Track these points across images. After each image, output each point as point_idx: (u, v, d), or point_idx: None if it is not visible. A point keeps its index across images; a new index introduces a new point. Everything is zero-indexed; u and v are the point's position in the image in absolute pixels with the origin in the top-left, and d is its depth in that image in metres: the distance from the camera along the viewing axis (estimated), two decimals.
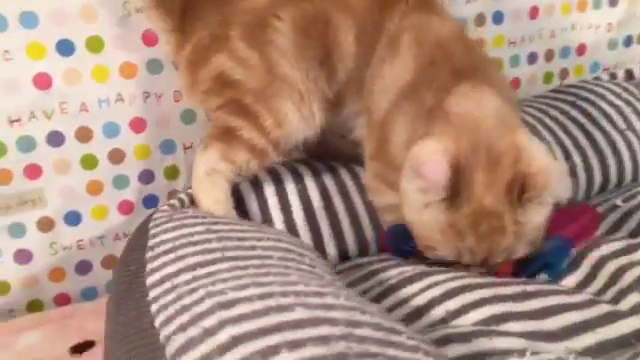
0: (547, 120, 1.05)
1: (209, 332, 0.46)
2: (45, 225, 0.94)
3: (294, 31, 0.77)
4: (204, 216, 0.73)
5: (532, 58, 1.24)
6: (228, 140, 0.81)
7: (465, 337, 0.57)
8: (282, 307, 0.48)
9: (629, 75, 1.20)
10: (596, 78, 1.20)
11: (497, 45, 1.20)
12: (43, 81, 0.90)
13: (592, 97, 1.09)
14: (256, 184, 0.88)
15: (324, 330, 0.45)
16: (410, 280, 0.71)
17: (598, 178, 1.01)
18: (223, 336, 0.45)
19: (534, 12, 1.20)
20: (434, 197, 0.69)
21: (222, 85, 0.80)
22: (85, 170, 0.95)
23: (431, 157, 0.67)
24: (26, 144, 0.91)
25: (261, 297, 0.50)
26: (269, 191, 0.87)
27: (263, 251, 0.63)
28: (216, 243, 0.63)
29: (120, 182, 0.98)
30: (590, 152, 1.02)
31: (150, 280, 0.59)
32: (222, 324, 0.46)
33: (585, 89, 1.12)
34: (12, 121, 0.90)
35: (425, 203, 0.70)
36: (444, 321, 0.64)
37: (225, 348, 0.44)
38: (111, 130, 0.96)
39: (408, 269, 0.74)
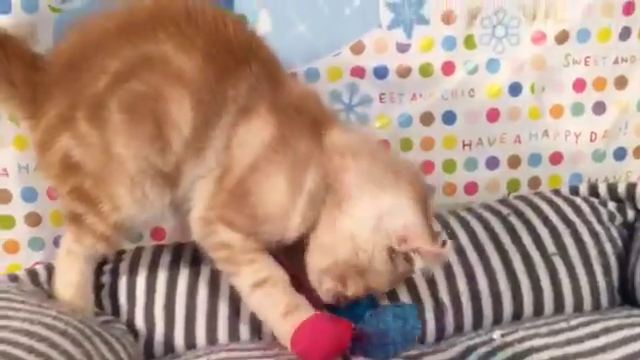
0: (461, 234, 0.96)
1: None
2: None
3: (122, 111, 0.79)
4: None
5: (492, 163, 1.14)
6: (77, 224, 0.84)
7: None
8: None
9: (611, 190, 1.05)
10: (554, 191, 1.07)
11: (449, 147, 1.13)
12: None
13: (529, 213, 0.98)
14: None
15: None
16: None
17: (508, 306, 0.90)
18: None
19: (492, 115, 1.12)
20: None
21: (66, 169, 0.83)
22: None
23: (447, 250, 0.77)
24: None
25: None
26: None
27: None
28: None
29: None
30: (501, 276, 0.91)
31: None
32: None
33: (529, 203, 1.01)
34: None
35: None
36: None
37: None
38: None
39: None
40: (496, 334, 0.82)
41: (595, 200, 1.03)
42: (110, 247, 0.86)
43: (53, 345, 0.64)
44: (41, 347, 0.63)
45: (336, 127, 0.85)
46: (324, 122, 0.84)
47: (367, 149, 0.84)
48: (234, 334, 0.86)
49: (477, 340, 0.82)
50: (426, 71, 1.09)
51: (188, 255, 0.93)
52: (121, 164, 0.80)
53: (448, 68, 1.10)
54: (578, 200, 1.02)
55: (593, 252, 0.94)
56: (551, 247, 0.94)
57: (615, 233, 0.98)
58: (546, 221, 0.97)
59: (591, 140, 1.15)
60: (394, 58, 1.08)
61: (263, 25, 1.04)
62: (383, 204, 0.77)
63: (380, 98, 1.10)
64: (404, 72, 1.09)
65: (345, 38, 1.07)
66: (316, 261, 0.80)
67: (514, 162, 1.15)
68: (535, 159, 1.15)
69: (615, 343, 0.74)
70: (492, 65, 1.10)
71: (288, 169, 0.79)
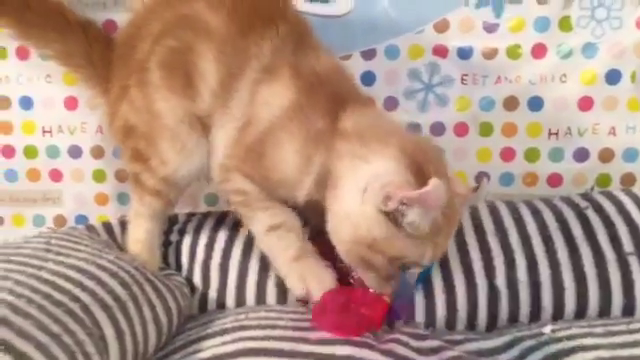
0: (530, 223, 0.91)
1: None
2: None
3: (160, 68, 0.86)
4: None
5: (580, 155, 1.07)
6: (137, 185, 0.92)
7: None
8: None
9: None
10: None
11: (533, 134, 1.07)
12: None
13: (609, 208, 0.91)
14: None
15: None
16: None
17: (570, 302, 0.85)
18: None
19: (585, 103, 1.05)
20: (434, 218, 0.73)
21: (126, 134, 0.91)
22: None
23: (434, 187, 0.69)
24: None
25: None
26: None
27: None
28: None
29: None
30: (566, 270, 0.86)
31: None
32: None
33: (611, 198, 0.94)
34: None
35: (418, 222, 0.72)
36: None
37: None
38: None
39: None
40: (547, 328, 0.77)
41: None
42: (163, 202, 0.92)
43: (101, 283, 0.70)
44: (90, 284, 0.69)
45: (355, 109, 0.82)
46: (345, 100, 0.82)
47: (377, 134, 0.79)
48: (282, 298, 0.88)
49: (526, 332, 0.78)
50: (514, 53, 1.05)
51: None
52: (161, 119, 0.87)
53: (539, 51, 1.04)
54: None
55: None
56: (628, 246, 0.87)
57: None
58: (626, 218, 0.89)
59: None
60: (480, 38, 1.05)
61: (346, 0, 1.04)
62: (366, 175, 0.75)
63: (462, 79, 1.06)
64: (490, 53, 1.05)
65: (429, 15, 1.05)
66: (336, 248, 0.79)
67: (606, 156, 1.07)
68: (631, 154, 1.06)
69: None
70: (589, 50, 1.04)
71: (300, 143, 0.80)
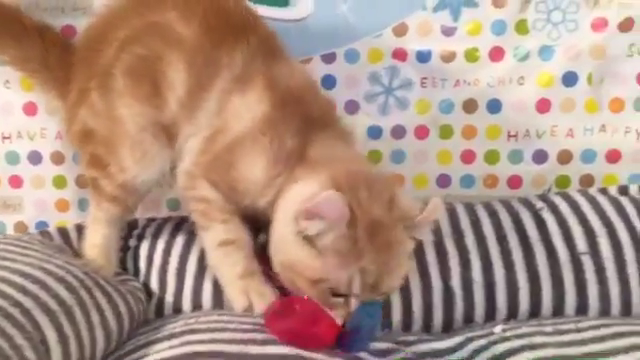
0: (486, 224, 0.91)
1: None
2: None
3: (125, 75, 0.86)
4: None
5: (539, 157, 1.08)
6: (96, 190, 0.92)
7: None
8: None
9: None
10: (600, 190, 1.00)
11: (493, 137, 1.08)
12: None
13: (564, 209, 0.92)
14: None
15: None
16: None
17: (525, 302, 0.85)
18: None
19: (543, 105, 1.06)
20: (338, 231, 0.71)
21: (84, 139, 0.91)
22: None
23: (325, 195, 0.69)
24: None
25: None
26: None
27: None
28: None
29: None
30: (520, 270, 0.86)
31: None
32: None
33: (567, 199, 0.95)
34: None
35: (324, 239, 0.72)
36: None
37: None
38: None
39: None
40: (497, 328, 0.78)
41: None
42: (122, 208, 0.92)
43: (45, 287, 0.69)
44: (33, 288, 0.68)
45: (324, 137, 0.83)
46: (315, 124, 0.83)
47: (329, 163, 0.79)
48: None
49: (479, 332, 0.78)
50: (472, 56, 1.05)
51: None
52: (123, 125, 0.86)
53: (496, 54, 1.05)
54: (624, 200, 0.94)
55: (630, 256, 0.86)
56: (582, 246, 0.87)
57: None
58: (581, 219, 0.90)
59: None
60: (438, 41, 1.05)
61: (305, 3, 1.05)
62: (292, 201, 0.76)
63: (422, 82, 1.07)
64: (448, 57, 1.06)
65: (388, 19, 1.05)
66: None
67: (564, 157, 1.07)
68: (589, 155, 1.07)
69: (619, 349, 0.68)
70: (545, 52, 1.04)
71: (270, 159, 0.80)
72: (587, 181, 1.07)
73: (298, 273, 0.74)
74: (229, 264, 0.82)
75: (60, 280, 0.72)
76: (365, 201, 0.73)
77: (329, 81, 1.07)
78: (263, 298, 0.79)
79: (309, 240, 0.72)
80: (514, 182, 1.09)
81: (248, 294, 0.80)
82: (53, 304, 0.67)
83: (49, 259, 0.76)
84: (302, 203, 0.72)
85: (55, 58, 0.96)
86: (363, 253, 0.72)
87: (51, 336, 0.64)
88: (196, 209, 0.86)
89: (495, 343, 0.74)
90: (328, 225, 0.71)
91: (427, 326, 0.86)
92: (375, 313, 0.76)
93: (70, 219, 1.11)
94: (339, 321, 0.72)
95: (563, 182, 1.08)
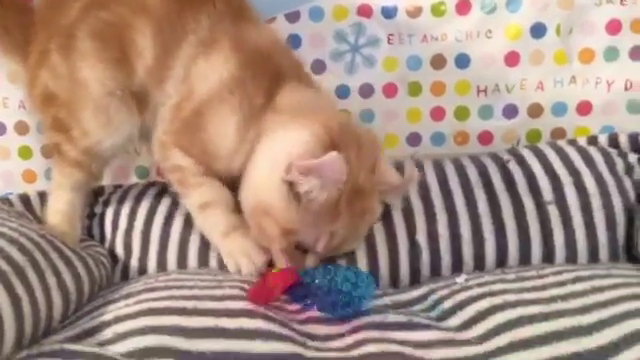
0: (452, 179, 0.90)
1: None
2: None
3: (91, 37, 0.84)
4: None
5: (510, 111, 1.06)
6: (59, 155, 0.90)
7: None
8: None
9: (633, 141, 0.96)
10: (569, 141, 0.99)
11: (462, 92, 1.06)
12: None
13: (531, 160, 0.91)
14: None
15: None
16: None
17: (491, 253, 0.85)
18: None
19: (512, 58, 1.04)
20: (329, 193, 0.72)
21: (45, 101, 0.89)
22: None
23: (330, 158, 0.70)
24: None
25: None
26: None
27: None
28: None
29: None
30: (486, 222, 0.85)
31: None
32: None
33: (534, 151, 0.94)
34: None
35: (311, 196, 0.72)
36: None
37: None
38: None
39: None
40: (460, 278, 0.77)
41: (614, 151, 0.93)
42: (85, 174, 0.90)
43: None
44: None
45: (294, 86, 0.83)
46: (285, 77, 0.82)
47: (309, 110, 0.80)
48: (203, 262, 0.87)
49: (441, 283, 0.78)
50: (438, 10, 1.03)
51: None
52: (85, 88, 0.84)
53: (463, 7, 1.03)
54: (592, 150, 0.93)
55: (596, 204, 0.86)
56: (548, 195, 0.86)
57: (629, 186, 0.88)
58: (547, 169, 0.89)
59: (626, 89, 1.04)
60: None
61: None
62: (280, 145, 0.76)
63: (388, 39, 1.05)
64: (414, 12, 1.04)
65: None
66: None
67: (535, 111, 1.06)
68: (560, 108, 1.06)
69: (579, 292, 0.67)
70: (513, 4, 1.03)
71: (239, 118, 0.80)
72: (559, 134, 1.07)
73: (272, 219, 0.75)
74: (211, 226, 0.83)
75: (12, 242, 0.70)
76: (354, 163, 0.74)
77: (294, 41, 1.05)
78: (248, 258, 0.79)
79: (295, 192, 0.73)
80: (485, 138, 1.08)
81: (234, 256, 0.80)
82: (4, 265, 0.66)
83: (3, 222, 0.75)
84: (298, 155, 0.72)
85: (13, 21, 0.94)
86: (339, 217, 0.74)
87: (2, 297, 0.63)
88: (173, 179, 0.86)
89: (457, 292, 0.73)
90: (322, 185, 0.72)
91: (394, 281, 0.85)
92: (358, 282, 0.73)
93: (38, 190, 1.09)
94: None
95: (534, 136, 1.07)
